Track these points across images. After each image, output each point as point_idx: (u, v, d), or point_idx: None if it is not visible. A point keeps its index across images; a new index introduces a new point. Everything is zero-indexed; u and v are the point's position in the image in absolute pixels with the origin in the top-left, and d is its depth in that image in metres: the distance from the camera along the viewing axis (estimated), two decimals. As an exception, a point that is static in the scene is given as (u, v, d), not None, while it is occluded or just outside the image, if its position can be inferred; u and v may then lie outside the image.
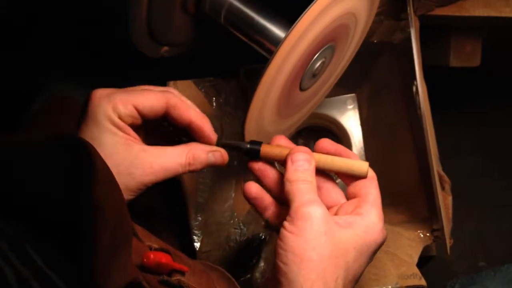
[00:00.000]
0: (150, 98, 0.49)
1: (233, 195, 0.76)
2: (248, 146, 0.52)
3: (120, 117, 0.48)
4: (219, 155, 0.52)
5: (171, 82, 0.71)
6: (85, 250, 0.32)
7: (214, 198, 0.73)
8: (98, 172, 0.34)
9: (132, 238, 0.42)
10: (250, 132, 0.57)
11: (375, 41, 0.75)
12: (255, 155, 0.52)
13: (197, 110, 0.51)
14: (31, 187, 0.33)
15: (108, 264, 0.34)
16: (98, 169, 0.34)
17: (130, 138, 0.49)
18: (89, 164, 0.34)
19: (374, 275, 0.65)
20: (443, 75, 0.85)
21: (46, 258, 0.31)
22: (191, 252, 0.70)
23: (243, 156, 0.53)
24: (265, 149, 0.52)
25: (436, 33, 0.83)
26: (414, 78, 0.67)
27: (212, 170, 0.73)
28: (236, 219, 0.75)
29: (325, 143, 0.52)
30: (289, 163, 0.49)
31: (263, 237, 0.76)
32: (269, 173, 0.53)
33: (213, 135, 0.52)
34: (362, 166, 0.50)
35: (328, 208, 0.50)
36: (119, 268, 0.36)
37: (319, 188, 0.51)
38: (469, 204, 0.95)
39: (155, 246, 0.46)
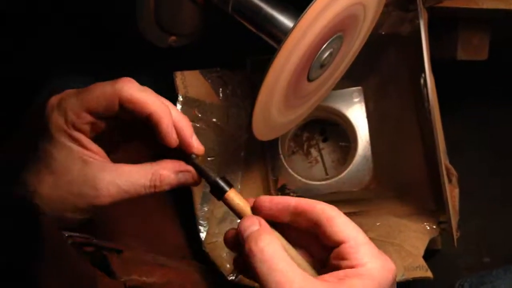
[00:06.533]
0: (100, 98, 0.43)
1: (239, 186, 0.76)
2: (218, 180, 0.46)
3: (75, 128, 0.43)
4: (190, 176, 0.47)
5: (178, 73, 0.71)
6: None
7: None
8: (45, 244, 0.31)
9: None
10: (257, 121, 0.57)
11: (383, 33, 0.74)
12: (219, 194, 0.46)
13: (163, 102, 0.45)
14: None
15: None
16: (45, 240, 0.31)
17: (86, 154, 0.44)
18: (35, 236, 0.31)
19: (380, 267, 0.65)
20: (450, 68, 0.85)
21: None
22: (196, 242, 0.70)
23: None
24: (231, 195, 0.46)
25: (444, 26, 0.83)
26: (422, 70, 0.67)
27: (219, 161, 0.73)
28: (242, 210, 0.75)
29: (265, 203, 0.45)
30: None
31: (268, 228, 0.76)
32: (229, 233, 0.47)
33: (174, 135, 0.45)
34: None
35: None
36: None
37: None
38: (474, 200, 0.94)
39: (134, 279, 0.43)
